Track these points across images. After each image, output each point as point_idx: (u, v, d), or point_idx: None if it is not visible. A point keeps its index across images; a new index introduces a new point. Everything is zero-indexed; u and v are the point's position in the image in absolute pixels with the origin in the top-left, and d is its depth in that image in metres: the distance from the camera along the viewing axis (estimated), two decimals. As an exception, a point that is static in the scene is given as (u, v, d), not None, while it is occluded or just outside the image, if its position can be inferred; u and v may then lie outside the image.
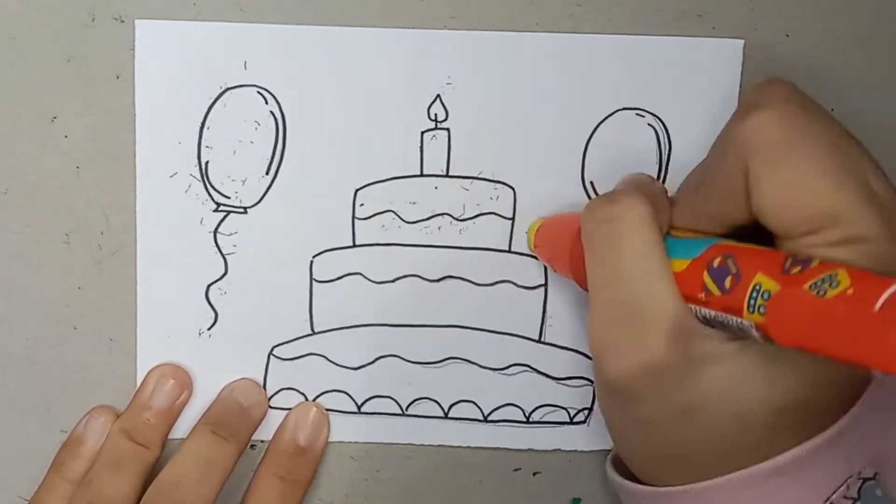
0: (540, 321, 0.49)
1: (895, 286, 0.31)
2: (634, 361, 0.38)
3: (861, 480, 0.38)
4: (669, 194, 0.42)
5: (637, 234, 0.38)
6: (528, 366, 0.49)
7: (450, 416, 0.50)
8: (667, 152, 0.48)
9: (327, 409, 0.50)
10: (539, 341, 0.49)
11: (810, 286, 0.32)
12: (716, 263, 0.36)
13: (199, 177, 0.47)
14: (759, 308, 0.34)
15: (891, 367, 0.31)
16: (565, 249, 0.44)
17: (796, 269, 0.33)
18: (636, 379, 0.38)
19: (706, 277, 0.36)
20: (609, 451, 0.49)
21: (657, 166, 0.48)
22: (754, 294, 0.34)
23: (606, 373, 0.39)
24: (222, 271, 0.48)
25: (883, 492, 0.38)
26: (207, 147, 0.47)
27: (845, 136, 0.37)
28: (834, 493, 0.37)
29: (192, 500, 0.45)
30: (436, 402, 0.50)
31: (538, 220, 0.48)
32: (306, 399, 0.49)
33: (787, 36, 0.48)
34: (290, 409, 0.49)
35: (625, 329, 0.38)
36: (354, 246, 0.48)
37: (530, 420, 0.50)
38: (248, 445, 0.49)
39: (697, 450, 0.38)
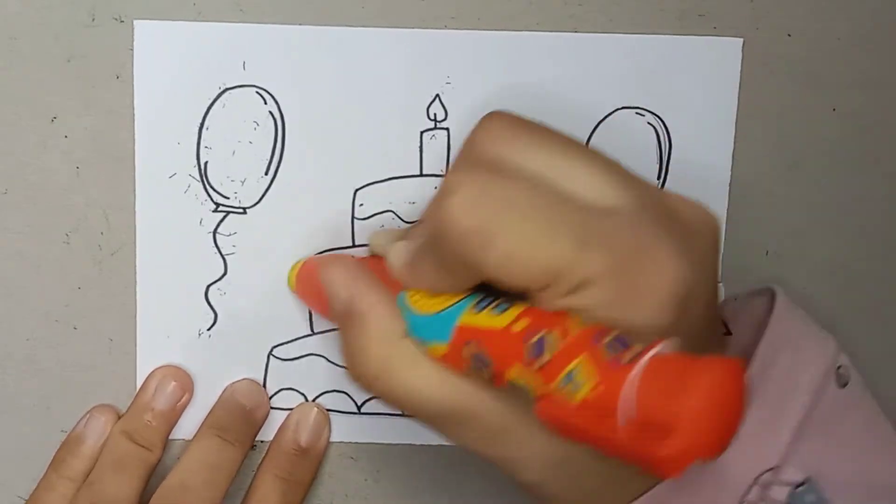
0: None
1: (634, 370, 0.32)
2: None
3: (791, 486, 0.38)
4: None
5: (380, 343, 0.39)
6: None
7: (450, 416, 0.50)
8: (667, 151, 0.48)
9: (327, 410, 0.50)
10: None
11: (560, 383, 0.33)
12: (467, 352, 0.37)
13: (198, 177, 0.47)
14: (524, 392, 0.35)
15: (653, 472, 0.32)
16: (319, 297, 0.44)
17: (539, 362, 0.34)
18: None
19: (470, 365, 0.37)
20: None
21: (657, 165, 0.48)
22: (516, 388, 0.35)
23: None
24: (222, 272, 0.48)
25: (816, 497, 0.38)
26: (206, 147, 0.47)
27: (563, 161, 0.37)
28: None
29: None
30: (436, 402, 0.50)
31: (299, 262, 0.48)
32: (306, 399, 0.49)
33: (789, 35, 0.48)
34: (290, 409, 0.49)
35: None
36: (354, 246, 0.48)
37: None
38: (252, 447, 0.49)
39: None
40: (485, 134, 0.39)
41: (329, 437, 0.50)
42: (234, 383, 0.49)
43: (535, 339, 0.35)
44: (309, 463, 0.49)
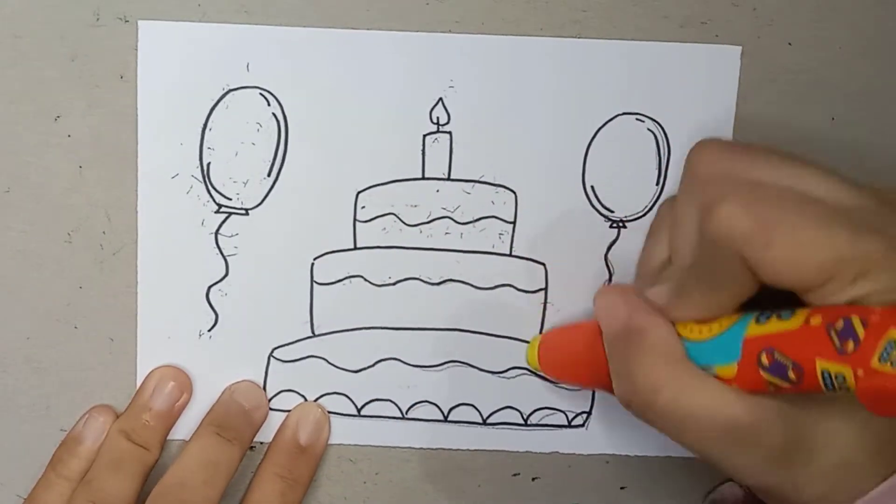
0: (540, 325, 0.49)
1: None
2: None
3: None
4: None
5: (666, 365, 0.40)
6: (527, 369, 0.49)
7: (449, 419, 0.50)
8: (666, 157, 0.49)
9: (327, 412, 0.50)
10: (539, 345, 0.49)
11: (879, 359, 0.33)
12: (765, 361, 0.37)
13: (200, 178, 0.47)
14: (840, 389, 0.35)
15: None
16: (583, 364, 0.45)
17: (850, 346, 0.34)
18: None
19: (765, 376, 0.37)
20: (605, 453, 0.50)
21: (656, 171, 0.49)
22: (828, 380, 0.35)
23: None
24: (223, 273, 0.48)
25: None
26: (209, 148, 0.47)
27: (795, 170, 0.38)
28: None
29: (198, 501, 0.45)
30: (435, 405, 0.50)
31: (537, 337, 0.48)
32: (306, 401, 0.49)
33: (790, 44, 0.48)
34: (290, 410, 0.49)
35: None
36: (355, 248, 0.48)
37: (528, 423, 0.50)
38: (250, 447, 0.49)
39: None
40: (702, 159, 0.39)
41: (329, 437, 0.50)
42: (233, 384, 0.49)
43: (838, 327, 0.35)
44: (308, 462, 0.49)
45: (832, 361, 0.35)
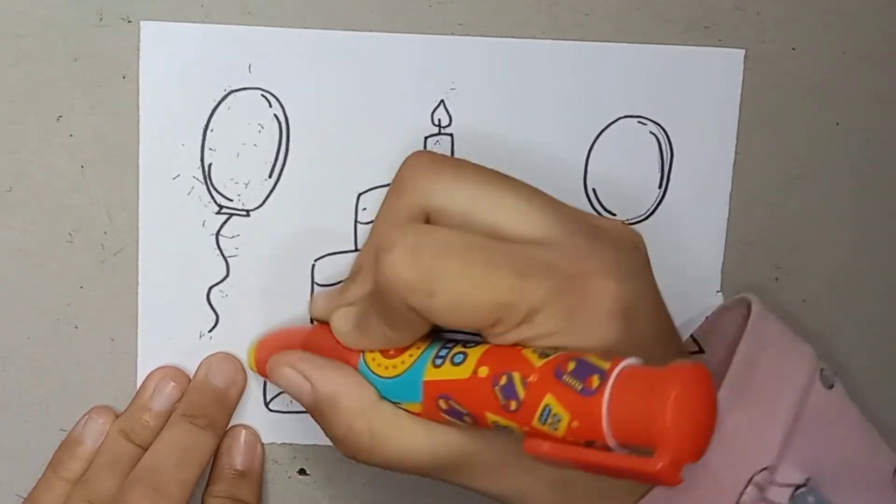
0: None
1: (604, 398, 0.32)
2: None
3: (792, 488, 0.38)
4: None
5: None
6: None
7: (448, 421, 0.50)
8: (668, 160, 0.49)
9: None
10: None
11: (538, 421, 0.34)
12: (443, 405, 0.38)
13: (201, 179, 0.47)
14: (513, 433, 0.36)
15: (650, 483, 0.33)
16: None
17: (512, 405, 0.35)
18: None
19: (447, 417, 0.38)
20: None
21: (659, 174, 0.49)
22: (499, 428, 0.36)
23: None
24: (224, 274, 0.48)
25: (816, 498, 0.38)
26: (211, 149, 0.47)
27: (489, 198, 0.39)
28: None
29: (171, 483, 0.45)
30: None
31: (255, 341, 0.48)
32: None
33: (794, 49, 0.48)
34: (290, 412, 0.49)
35: None
36: (356, 250, 0.48)
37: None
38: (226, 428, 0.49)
39: None
40: (410, 173, 0.41)
41: (263, 456, 0.50)
42: (208, 358, 0.49)
43: (501, 383, 0.35)
44: (249, 484, 0.49)
45: (499, 416, 0.36)
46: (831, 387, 0.41)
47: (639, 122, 0.48)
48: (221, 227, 0.48)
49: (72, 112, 0.46)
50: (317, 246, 0.48)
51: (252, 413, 0.49)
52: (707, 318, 0.48)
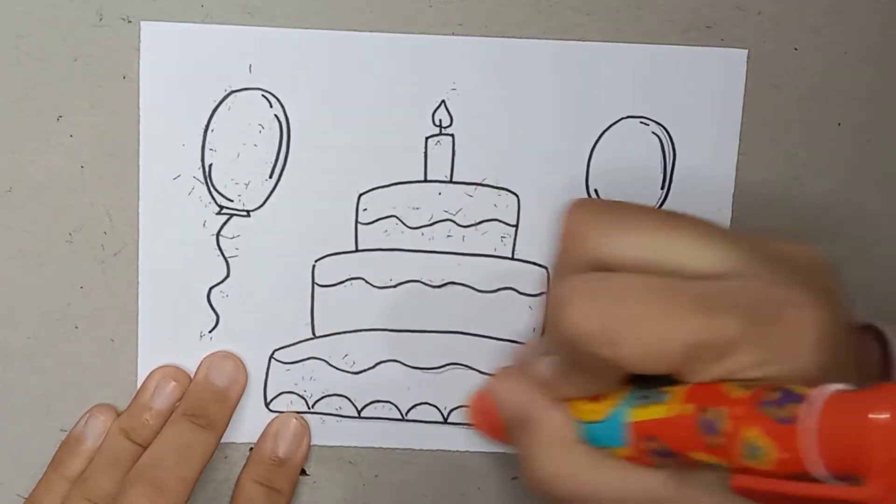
0: (541, 328, 0.49)
1: (809, 427, 0.31)
2: None
3: None
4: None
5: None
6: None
7: (449, 421, 0.50)
8: (671, 160, 0.48)
9: (328, 414, 0.50)
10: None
11: (743, 456, 0.33)
12: (650, 446, 0.37)
13: (202, 179, 0.47)
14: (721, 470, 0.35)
15: None
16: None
17: (718, 441, 0.34)
18: None
19: (655, 459, 0.37)
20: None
21: (661, 175, 0.49)
22: (705, 465, 0.35)
23: None
24: (224, 274, 0.48)
25: None
26: (211, 150, 0.47)
27: (657, 238, 0.37)
28: None
29: (171, 480, 0.45)
30: (435, 407, 0.50)
31: (475, 394, 0.48)
32: (307, 403, 0.49)
33: (796, 49, 0.48)
34: (290, 412, 0.49)
35: None
36: (357, 250, 0.48)
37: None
38: (227, 427, 0.49)
39: None
40: (576, 229, 0.39)
41: (308, 448, 0.50)
42: (209, 357, 0.49)
43: (705, 418, 0.35)
44: (287, 473, 0.49)
45: (704, 452, 0.35)
46: None
47: (641, 122, 0.48)
48: (222, 227, 0.48)
49: (72, 112, 0.46)
50: (317, 246, 0.48)
51: (252, 413, 0.49)
52: None
